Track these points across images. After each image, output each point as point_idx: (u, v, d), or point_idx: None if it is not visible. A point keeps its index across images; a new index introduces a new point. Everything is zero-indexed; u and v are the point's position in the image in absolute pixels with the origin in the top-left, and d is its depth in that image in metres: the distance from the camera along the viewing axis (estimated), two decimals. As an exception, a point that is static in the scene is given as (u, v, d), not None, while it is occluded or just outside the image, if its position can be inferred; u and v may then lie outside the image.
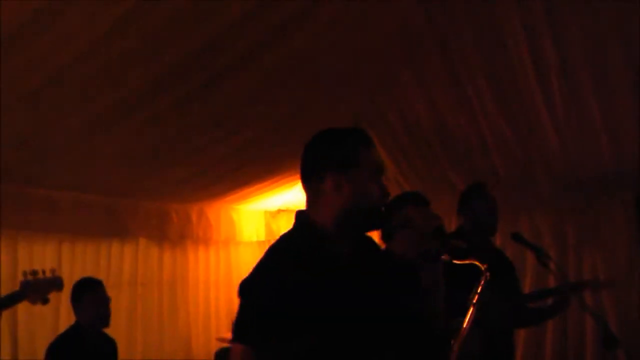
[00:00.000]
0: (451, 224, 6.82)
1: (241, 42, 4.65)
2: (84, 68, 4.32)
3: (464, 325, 3.95)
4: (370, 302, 2.83)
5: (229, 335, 6.80)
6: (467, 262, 4.02)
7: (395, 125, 6.49)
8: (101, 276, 6.39)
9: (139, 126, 5.33)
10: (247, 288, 2.75)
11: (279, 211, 9.05)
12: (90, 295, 5.32)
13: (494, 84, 5.59)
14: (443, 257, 3.24)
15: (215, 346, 7.73)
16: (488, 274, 4.04)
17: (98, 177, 6.04)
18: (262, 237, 9.02)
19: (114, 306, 5.53)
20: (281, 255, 2.80)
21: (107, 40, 4.12)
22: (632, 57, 4.89)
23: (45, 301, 4.63)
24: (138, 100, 4.92)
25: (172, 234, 7.55)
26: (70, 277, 6.28)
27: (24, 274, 4.53)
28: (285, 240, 2.86)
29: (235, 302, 2.83)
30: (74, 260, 6.53)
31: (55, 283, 4.71)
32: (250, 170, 7.04)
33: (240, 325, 2.74)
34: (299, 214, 2.92)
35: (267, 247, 7.62)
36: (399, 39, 5.66)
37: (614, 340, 4.75)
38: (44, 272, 4.60)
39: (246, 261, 8.75)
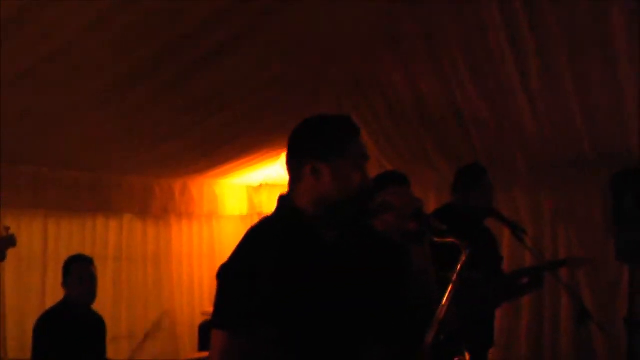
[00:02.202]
0: (430, 202, 6.97)
1: (226, 25, 4.72)
2: (73, 51, 4.38)
3: (443, 302, 4.08)
4: (350, 290, 2.83)
5: (212, 309, 6.89)
6: (447, 240, 4.15)
7: (377, 106, 6.58)
8: (87, 251, 6.49)
9: (126, 107, 5.42)
10: (225, 272, 2.73)
11: (261, 186, 9.13)
12: (77, 270, 5.39)
13: (473, 67, 5.68)
14: (426, 237, 3.32)
15: (199, 319, 7.84)
16: (468, 251, 4.17)
17: (84, 154, 6.12)
18: (245, 212, 9.11)
19: (99, 280, 5.57)
20: (260, 238, 2.76)
21: (96, 26, 4.19)
22: (607, 38, 4.98)
23: (2, 258, 4.79)
24: (124, 82, 5.01)
25: (156, 208, 7.63)
26: (56, 252, 6.43)
27: None
28: (265, 224, 2.84)
29: None
30: (59, 236, 6.62)
31: (10, 241, 4.83)
32: (233, 147, 7.14)
33: (219, 310, 2.73)
34: (281, 198, 2.90)
35: (249, 221, 7.78)
36: (382, 23, 5.72)
37: (587, 314, 4.88)
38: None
39: (229, 235, 8.85)
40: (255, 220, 2.91)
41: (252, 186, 9.14)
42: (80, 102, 5.12)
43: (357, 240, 3.00)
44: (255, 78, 5.70)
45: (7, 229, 4.85)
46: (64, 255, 5.68)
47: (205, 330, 7.50)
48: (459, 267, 4.16)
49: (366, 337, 2.93)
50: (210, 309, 7.12)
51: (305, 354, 2.74)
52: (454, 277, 4.13)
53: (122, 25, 4.28)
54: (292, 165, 2.85)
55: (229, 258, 2.74)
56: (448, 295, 4.15)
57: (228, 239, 8.81)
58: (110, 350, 5.86)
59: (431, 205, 6.93)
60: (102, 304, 5.80)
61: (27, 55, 4.28)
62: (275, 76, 5.79)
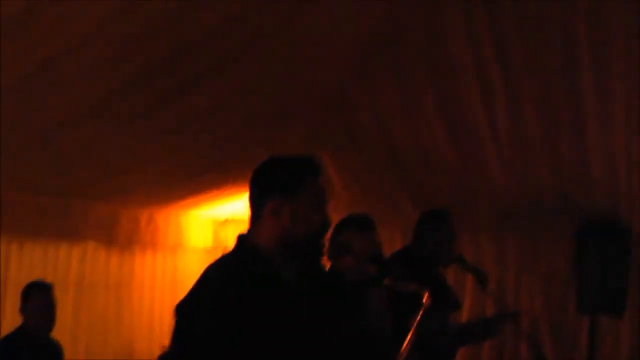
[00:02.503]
0: (396, 244, 6.98)
1: (192, 64, 4.77)
2: (44, 74, 4.36)
3: (403, 349, 4.09)
4: (309, 327, 2.84)
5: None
6: (409, 288, 4.18)
7: (345, 146, 6.61)
8: (48, 277, 6.40)
9: (95, 133, 5.38)
10: (182, 310, 2.75)
11: (227, 220, 9.10)
12: (35, 299, 5.32)
13: (442, 112, 5.74)
14: (385, 281, 3.35)
15: (158, 351, 7.76)
16: (429, 300, 4.19)
17: (50, 179, 6.05)
18: (209, 244, 9.06)
19: (59, 307, 5.53)
20: (219, 277, 2.78)
21: (73, 48, 4.19)
22: (575, 88, 5.05)
23: None
24: (92, 110, 4.98)
25: (121, 237, 7.55)
26: (17, 278, 6.33)
27: None
28: (223, 263, 2.86)
29: None
30: (21, 261, 6.53)
31: None
32: (201, 180, 7.14)
33: (176, 348, 2.75)
34: (240, 237, 2.92)
35: (213, 254, 7.71)
36: (352, 63, 5.77)
37: (545, 362, 4.92)
38: None
39: (192, 267, 8.75)
40: (219, 253, 2.91)
41: (217, 220, 9.12)
42: (47, 126, 5.08)
43: (315, 279, 3.04)
44: (222, 113, 5.72)
45: None
46: (25, 281, 5.59)
47: (163, 363, 7.45)
48: (419, 315, 4.20)
49: None
50: (169, 341, 7.06)
51: None
52: (415, 324, 4.17)
53: (89, 56, 4.28)
54: (253, 203, 2.89)
55: (188, 295, 2.76)
56: (408, 343, 4.18)
57: (192, 271, 8.74)
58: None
59: (397, 248, 6.97)
60: (60, 331, 5.71)
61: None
62: (244, 112, 5.81)
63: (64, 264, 7.05)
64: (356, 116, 6.24)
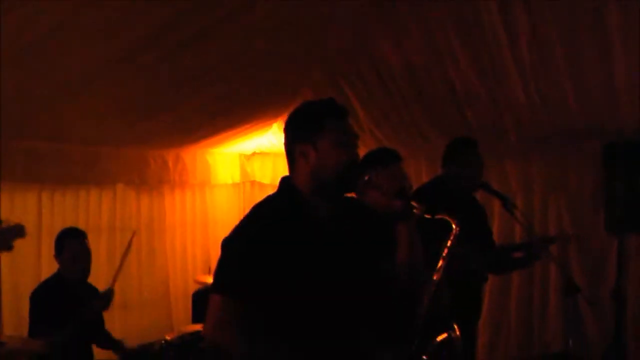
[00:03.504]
0: (422, 172, 7.03)
1: (220, 1, 4.75)
2: (68, 28, 4.38)
3: (435, 278, 4.16)
4: (343, 263, 3.04)
5: (205, 277, 6.96)
6: (438, 216, 4.22)
7: (369, 79, 6.55)
8: (80, 222, 6.55)
9: (120, 80, 5.40)
10: (228, 243, 2.97)
11: (254, 154, 9.14)
12: (70, 248, 5.42)
13: (465, 40, 5.67)
14: (414, 214, 3.41)
15: (192, 288, 7.88)
16: (458, 228, 4.24)
17: (78, 128, 6.10)
18: (237, 179, 9.11)
19: (93, 252, 5.63)
20: (262, 214, 3.04)
21: (91, 3, 4.20)
22: (599, 12, 4.98)
23: (9, 248, 4.72)
24: (119, 57, 4.99)
25: (150, 179, 7.62)
26: (50, 225, 6.44)
27: None
28: (267, 201, 3.12)
29: (212, 243, 3.03)
30: (53, 209, 6.64)
31: (17, 231, 4.77)
32: (227, 118, 7.14)
33: (219, 276, 2.95)
34: (282, 179, 3.18)
35: (241, 189, 7.85)
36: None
37: (575, 288, 4.96)
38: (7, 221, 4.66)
39: (221, 203, 8.93)
40: (248, 188, 3.15)
41: (244, 154, 9.15)
42: (74, 76, 5.10)
43: (349, 213, 3.21)
44: (247, 52, 5.69)
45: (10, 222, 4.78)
46: (59, 228, 5.70)
47: (198, 300, 7.57)
48: (449, 242, 4.26)
49: (356, 308, 3.07)
50: (203, 277, 7.19)
51: (301, 321, 2.94)
52: (445, 252, 4.23)
53: (117, 1, 4.28)
54: (287, 150, 3.15)
55: (233, 230, 3.01)
56: (439, 271, 4.25)
57: (221, 206, 8.89)
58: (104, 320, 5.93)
59: (423, 175, 7.01)
60: (96, 275, 5.82)
61: (24, 32, 4.27)
62: (268, 50, 5.78)
63: (95, 209, 7.17)
64: (380, 51, 6.18)
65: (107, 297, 5.58)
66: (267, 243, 2.89)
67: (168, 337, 5.81)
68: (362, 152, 7.19)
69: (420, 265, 3.43)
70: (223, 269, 2.95)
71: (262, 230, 2.94)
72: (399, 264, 3.35)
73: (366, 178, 3.34)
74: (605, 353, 5.84)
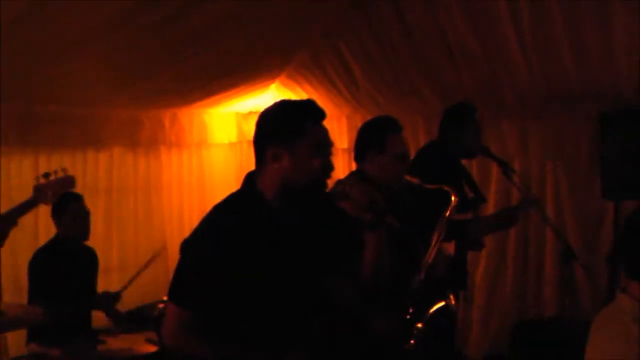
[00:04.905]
0: (419, 131, 7.02)
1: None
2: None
3: (433, 245, 4.20)
4: (299, 271, 3.01)
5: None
6: (438, 186, 4.25)
7: (365, 39, 6.55)
8: (77, 185, 6.52)
9: (114, 43, 5.40)
10: (187, 248, 2.93)
11: (250, 113, 9.10)
12: (71, 210, 5.47)
13: (464, 5, 5.65)
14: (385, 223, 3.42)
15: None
16: (457, 199, 4.27)
17: (73, 90, 6.10)
18: (234, 139, 9.07)
19: (91, 213, 5.68)
20: (222, 218, 2.94)
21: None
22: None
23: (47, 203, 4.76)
24: (118, 17, 4.99)
25: (146, 140, 7.63)
26: (48, 188, 6.42)
27: (37, 178, 4.59)
28: (228, 203, 3.01)
29: (208, 203, 3.00)
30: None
31: (67, 181, 4.77)
32: (223, 81, 7.17)
33: (175, 286, 2.92)
34: (247, 177, 3.07)
35: (238, 148, 7.84)
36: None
37: (571, 254, 5.00)
38: (56, 172, 4.64)
39: (218, 162, 8.91)
40: (245, 147, 3.06)
41: (241, 113, 9.10)
42: (68, 38, 5.10)
43: (314, 217, 3.15)
44: (245, 14, 5.68)
45: (65, 170, 4.76)
46: (56, 192, 5.70)
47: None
48: (448, 213, 4.29)
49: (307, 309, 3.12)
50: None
51: (258, 326, 2.93)
52: (443, 223, 4.26)
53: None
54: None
55: (193, 233, 2.95)
56: (436, 240, 4.28)
57: (218, 166, 8.86)
58: (101, 282, 6.03)
59: (420, 134, 7.03)
60: (93, 236, 5.87)
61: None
62: (267, 11, 5.77)
63: (92, 171, 7.18)
64: (378, 11, 6.15)
65: (114, 298, 5.71)
66: (226, 249, 2.83)
67: (165, 298, 5.83)
68: (358, 114, 7.27)
69: (385, 272, 3.42)
70: (179, 277, 2.91)
71: (222, 236, 2.86)
72: (364, 266, 3.34)
73: (340, 189, 3.31)
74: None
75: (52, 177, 4.60)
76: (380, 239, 3.28)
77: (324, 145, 2.98)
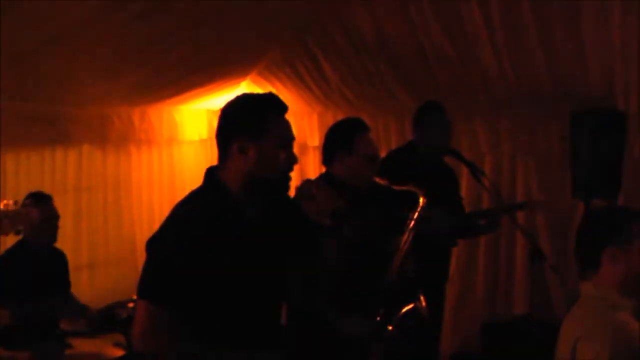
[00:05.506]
0: (390, 130, 7.02)
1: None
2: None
3: (402, 247, 4.18)
4: (265, 263, 3.01)
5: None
6: (405, 188, 4.22)
7: (337, 37, 6.52)
8: (46, 184, 6.47)
9: (85, 41, 5.35)
10: (152, 245, 2.92)
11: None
12: (39, 211, 5.34)
13: (436, 5, 5.64)
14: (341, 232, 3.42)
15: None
16: (425, 200, 4.25)
17: (41, 87, 6.03)
18: (205, 136, 9.01)
19: (60, 211, 5.59)
20: (186, 213, 2.94)
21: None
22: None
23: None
24: (86, 17, 4.93)
25: (115, 137, 7.55)
26: (16, 188, 6.36)
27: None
28: (192, 198, 3.01)
29: (179, 200, 2.98)
30: (18, 171, 6.55)
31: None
32: (194, 78, 7.12)
33: (144, 282, 2.91)
34: (208, 172, 3.06)
35: (209, 144, 7.81)
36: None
37: (540, 255, 5.00)
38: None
39: (189, 159, 8.84)
40: (214, 144, 3.01)
41: (212, 110, 9.05)
42: (38, 36, 5.04)
43: (278, 215, 3.16)
44: (216, 12, 5.64)
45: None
46: (24, 191, 5.63)
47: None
48: (416, 214, 4.26)
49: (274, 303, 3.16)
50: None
51: (227, 321, 2.95)
52: (412, 225, 4.24)
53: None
54: (220, 142, 3.00)
55: (158, 230, 2.95)
56: (405, 242, 4.25)
57: (188, 163, 8.80)
58: (71, 280, 5.89)
59: (391, 134, 7.02)
60: (62, 235, 5.78)
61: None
62: (238, 10, 5.73)
63: (61, 169, 7.10)
64: (350, 11, 6.13)
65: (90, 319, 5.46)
66: (191, 244, 2.82)
67: (135, 297, 5.77)
68: (330, 112, 7.25)
69: (335, 277, 3.46)
70: (147, 273, 2.90)
71: (187, 230, 2.85)
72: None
73: (306, 189, 3.29)
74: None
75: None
76: (333, 246, 3.32)
77: (288, 138, 3.01)
